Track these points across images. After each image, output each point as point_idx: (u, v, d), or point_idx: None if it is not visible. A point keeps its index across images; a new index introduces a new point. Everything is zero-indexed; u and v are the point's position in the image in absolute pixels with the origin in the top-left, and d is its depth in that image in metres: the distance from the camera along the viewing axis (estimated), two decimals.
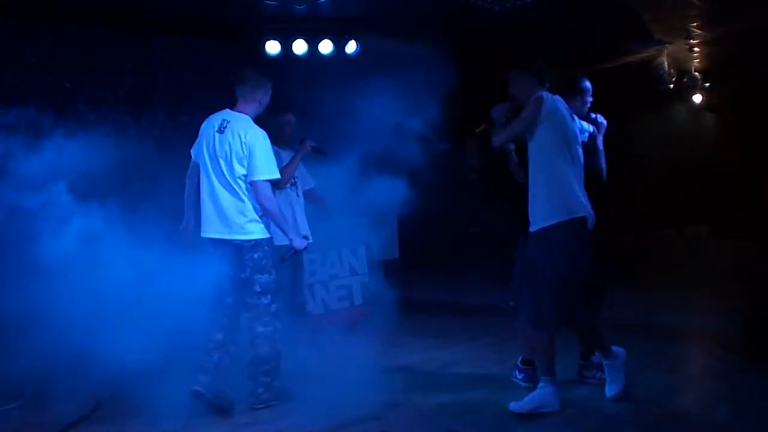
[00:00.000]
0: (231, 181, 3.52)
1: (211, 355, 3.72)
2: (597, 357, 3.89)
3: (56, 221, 3.38)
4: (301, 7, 5.64)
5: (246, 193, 3.53)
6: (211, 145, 3.57)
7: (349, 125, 4.41)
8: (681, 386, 3.87)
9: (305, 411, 3.54)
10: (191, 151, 3.75)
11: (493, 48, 7.44)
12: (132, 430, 3.42)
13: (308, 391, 3.77)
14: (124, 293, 3.47)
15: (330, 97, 5.71)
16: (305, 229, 4.67)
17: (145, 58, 6.03)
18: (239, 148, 3.47)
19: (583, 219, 3.39)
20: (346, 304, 5.73)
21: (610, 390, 3.57)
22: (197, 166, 3.69)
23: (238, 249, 3.56)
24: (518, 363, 3.93)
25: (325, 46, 6.21)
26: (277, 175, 3.57)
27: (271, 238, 3.67)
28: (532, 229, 3.42)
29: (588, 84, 3.93)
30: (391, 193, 4.64)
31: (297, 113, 4.71)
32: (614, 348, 3.58)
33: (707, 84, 9.86)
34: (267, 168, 3.49)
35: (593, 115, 3.99)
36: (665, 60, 8.13)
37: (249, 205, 3.54)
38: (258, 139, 3.49)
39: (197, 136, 3.73)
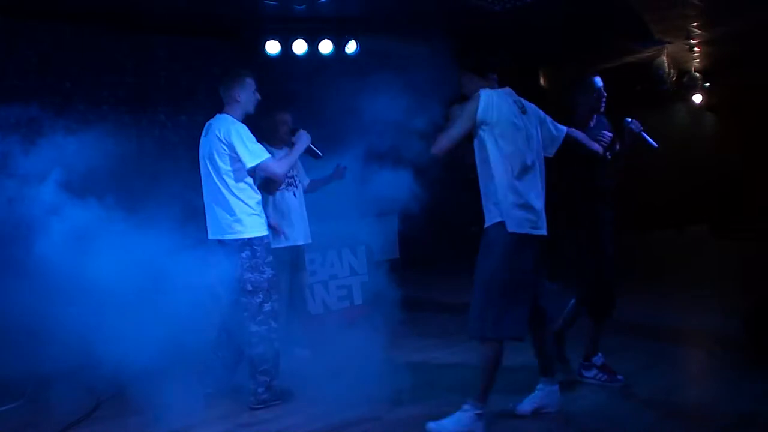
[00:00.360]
0: (218, 182, 3.59)
1: (214, 354, 3.74)
2: (599, 358, 3.90)
3: (56, 221, 3.38)
4: (301, 7, 5.64)
5: (233, 190, 3.58)
6: (200, 151, 3.70)
7: (348, 125, 4.40)
8: (681, 386, 3.87)
9: (305, 411, 3.55)
10: None
11: (493, 48, 7.44)
12: (132, 430, 3.42)
13: (308, 391, 3.78)
14: (124, 293, 3.47)
15: (330, 98, 5.71)
16: (305, 230, 4.69)
17: (145, 58, 6.03)
18: (218, 145, 3.56)
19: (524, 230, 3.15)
20: (346, 304, 5.72)
21: (523, 404, 3.39)
22: None
23: (228, 248, 3.60)
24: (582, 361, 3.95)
25: (325, 46, 6.21)
26: (267, 155, 3.60)
27: (264, 236, 3.67)
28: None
29: (600, 82, 3.85)
30: (390, 192, 4.64)
31: (296, 113, 4.71)
32: (556, 389, 3.40)
33: (707, 84, 9.86)
34: (254, 152, 3.55)
35: (628, 120, 3.83)
36: (665, 60, 8.12)
37: (236, 203, 3.58)
38: (234, 131, 3.55)
39: (197, 136, 3.78)
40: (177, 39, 6.19)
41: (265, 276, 3.62)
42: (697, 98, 10.47)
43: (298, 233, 4.60)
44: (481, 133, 3.15)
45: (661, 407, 3.53)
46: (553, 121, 3.46)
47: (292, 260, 4.63)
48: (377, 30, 6.20)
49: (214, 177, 3.60)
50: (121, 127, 5.66)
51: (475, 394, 3.17)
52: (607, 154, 3.75)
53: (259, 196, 3.71)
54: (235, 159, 3.55)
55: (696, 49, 8.11)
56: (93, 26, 5.67)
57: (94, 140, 3.59)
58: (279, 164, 3.69)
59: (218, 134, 3.56)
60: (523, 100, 3.34)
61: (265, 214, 4.41)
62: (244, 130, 3.59)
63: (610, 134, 3.74)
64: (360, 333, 4.56)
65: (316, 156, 4.33)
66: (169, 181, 4.08)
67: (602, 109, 3.85)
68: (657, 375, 3.99)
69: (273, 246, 4.41)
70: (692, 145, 12.11)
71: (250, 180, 3.64)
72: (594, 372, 3.88)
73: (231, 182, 3.58)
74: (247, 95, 3.65)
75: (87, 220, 3.45)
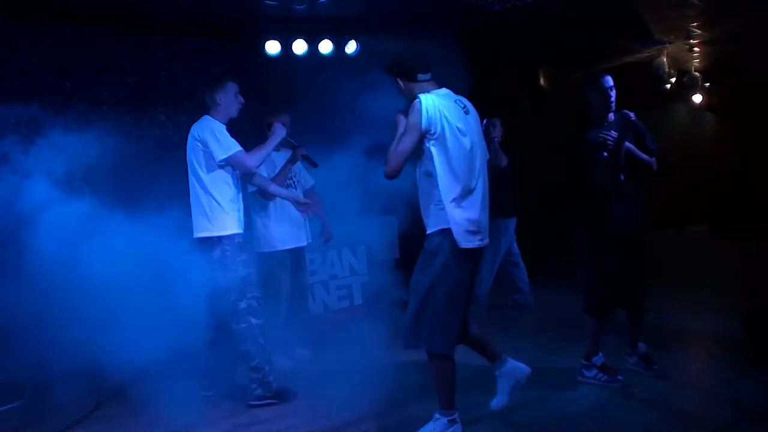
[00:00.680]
0: (194, 181, 3.69)
1: (210, 354, 3.75)
2: (599, 358, 3.90)
3: (56, 221, 3.38)
4: (301, 7, 5.63)
5: (207, 188, 3.64)
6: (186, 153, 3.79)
7: (348, 125, 4.40)
8: (681, 386, 3.87)
9: (305, 411, 3.55)
10: None
11: (494, 48, 7.44)
12: (132, 430, 3.42)
13: (308, 391, 3.78)
14: (123, 294, 3.47)
15: (330, 98, 5.70)
16: (306, 230, 4.69)
17: (145, 58, 6.02)
18: (193, 144, 3.67)
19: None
20: (346, 304, 5.73)
21: (496, 400, 3.33)
22: None
23: (202, 247, 3.66)
24: (582, 361, 3.96)
25: (325, 46, 6.21)
26: (238, 148, 3.63)
27: (235, 234, 3.67)
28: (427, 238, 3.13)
29: (608, 81, 3.84)
30: (390, 192, 4.64)
31: (297, 113, 4.72)
32: (511, 362, 3.30)
33: (707, 84, 9.86)
34: (225, 146, 3.61)
35: (628, 114, 3.82)
36: (665, 60, 8.12)
37: (208, 201, 3.64)
38: (207, 127, 3.65)
39: None
40: (177, 39, 6.18)
41: (237, 275, 3.62)
42: (697, 98, 10.47)
43: (301, 234, 4.62)
44: (426, 143, 2.99)
45: (661, 407, 3.54)
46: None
47: (294, 261, 4.64)
48: (377, 30, 6.19)
49: (192, 176, 3.70)
50: (121, 127, 5.65)
51: (440, 403, 3.11)
52: (604, 153, 3.73)
53: (233, 193, 3.71)
54: (209, 155, 3.62)
55: (696, 49, 8.11)
56: (93, 26, 5.66)
57: (94, 140, 3.60)
58: (250, 157, 3.70)
59: (195, 134, 3.67)
60: (464, 100, 3.18)
61: (269, 215, 4.44)
62: (217, 126, 3.67)
63: (614, 134, 3.72)
64: (360, 333, 4.57)
65: (312, 164, 4.34)
66: (169, 181, 4.08)
67: (612, 108, 3.83)
68: (657, 374, 3.99)
69: (279, 249, 4.44)
70: (692, 145, 12.11)
71: (225, 177, 3.67)
72: (594, 372, 3.88)
73: (205, 180, 3.65)
74: (228, 99, 3.72)
75: (87, 220, 3.46)
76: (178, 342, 3.41)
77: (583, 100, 3.94)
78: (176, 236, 3.75)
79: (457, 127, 3.01)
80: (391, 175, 3.03)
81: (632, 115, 3.82)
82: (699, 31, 7.28)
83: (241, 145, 3.70)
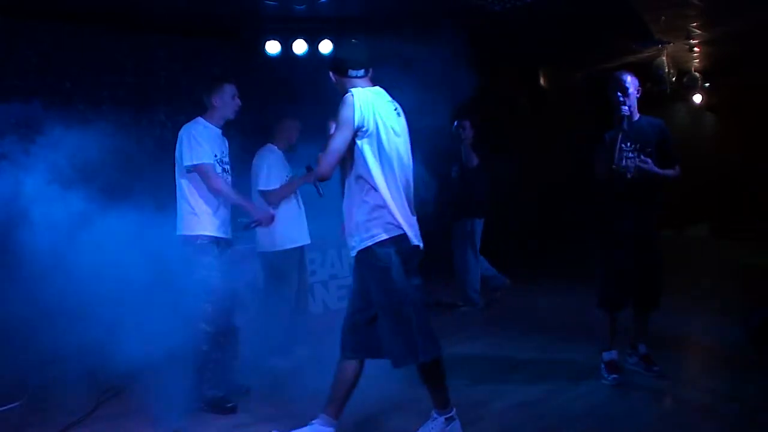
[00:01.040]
0: (176, 180, 3.71)
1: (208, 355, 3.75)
2: (609, 354, 3.97)
3: (56, 221, 3.38)
4: (301, 7, 5.64)
5: (182, 187, 3.66)
6: None
7: None
8: (681, 386, 3.87)
9: (305, 411, 3.54)
10: None
11: (494, 48, 7.44)
12: (132, 430, 3.42)
13: (308, 391, 3.77)
14: (123, 294, 3.47)
15: (330, 98, 5.69)
16: (306, 230, 4.71)
17: (145, 58, 6.02)
18: (178, 144, 3.68)
19: (401, 239, 2.90)
20: (347, 304, 5.72)
21: None
22: None
23: (180, 245, 3.66)
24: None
25: (325, 46, 6.21)
26: (206, 160, 3.57)
27: (198, 236, 3.61)
28: (352, 253, 2.99)
29: (621, 78, 3.85)
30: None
31: (297, 113, 4.73)
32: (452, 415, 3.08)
33: (707, 84, 9.85)
34: (195, 153, 3.58)
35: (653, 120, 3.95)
36: (665, 60, 8.12)
37: (181, 201, 3.67)
38: (186, 129, 3.65)
39: None
40: (177, 39, 6.18)
41: (194, 277, 3.55)
42: (697, 98, 10.46)
43: (305, 233, 4.66)
44: (358, 142, 2.83)
45: (661, 407, 3.54)
46: None
47: (299, 261, 4.68)
48: (377, 30, 6.19)
49: (176, 176, 3.73)
50: (121, 127, 5.65)
51: (436, 402, 3.07)
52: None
53: (206, 196, 3.63)
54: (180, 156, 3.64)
55: (696, 49, 8.11)
56: (93, 26, 5.66)
57: (94, 140, 3.60)
58: (220, 183, 3.59)
59: (180, 134, 3.69)
60: (395, 102, 3.03)
61: (277, 214, 4.44)
62: (199, 131, 3.64)
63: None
64: None
65: (318, 194, 4.26)
66: (169, 181, 4.08)
67: (626, 105, 3.82)
68: (657, 375, 3.99)
69: (287, 247, 4.44)
70: (692, 145, 12.09)
71: (198, 179, 3.64)
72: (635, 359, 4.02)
73: (180, 179, 3.68)
74: (223, 101, 3.70)
75: (87, 220, 3.46)
76: (178, 342, 3.42)
77: (608, 100, 3.95)
78: (175, 236, 3.76)
79: (392, 128, 2.90)
80: (325, 175, 2.85)
81: (658, 121, 3.90)
82: (699, 31, 7.28)
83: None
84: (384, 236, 2.86)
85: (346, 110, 2.80)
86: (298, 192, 4.64)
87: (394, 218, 2.86)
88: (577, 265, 4.03)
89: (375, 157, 2.84)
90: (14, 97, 5.03)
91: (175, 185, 3.74)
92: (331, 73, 3.02)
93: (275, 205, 4.38)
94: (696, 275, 7.66)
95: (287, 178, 4.50)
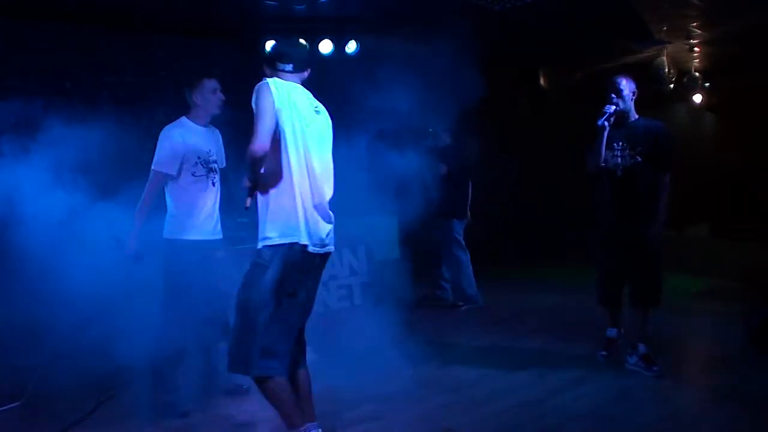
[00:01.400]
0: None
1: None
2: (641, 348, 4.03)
3: (56, 221, 3.38)
4: (301, 7, 5.63)
5: (165, 192, 3.56)
6: None
7: (349, 125, 4.40)
8: (681, 386, 3.87)
9: None
10: None
11: (494, 48, 7.43)
12: (132, 430, 3.42)
13: None
14: (122, 294, 3.47)
15: (329, 98, 5.69)
16: None
17: (145, 58, 6.02)
18: None
19: (297, 246, 2.72)
20: (346, 304, 5.72)
21: None
22: None
23: None
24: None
25: (325, 46, 6.21)
26: (162, 169, 3.46)
27: (171, 239, 3.50)
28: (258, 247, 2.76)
29: (616, 81, 3.93)
30: (391, 192, 4.64)
31: None
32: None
33: (707, 84, 9.85)
34: (157, 157, 3.48)
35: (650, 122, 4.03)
36: (665, 60, 8.12)
37: (167, 203, 3.56)
38: (161, 133, 3.53)
39: None
40: (177, 39, 6.18)
41: (163, 279, 3.48)
42: (697, 98, 10.46)
43: None
44: (278, 131, 2.65)
45: (661, 407, 3.53)
46: None
47: None
48: (377, 30, 6.19)
49: None
50: (121, 127, 5.65)
51: (287, 424, 2.77)
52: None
53: (186, 198, 3.52)
54: None
55: (696, 49, 8.11)
56: (93, 26, 5.66)
57: (94, 140, 3.60)
58: (147, 197, 3.48)
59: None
60: (319, 103, 2.93)
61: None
62: (167, 134, 3.51)
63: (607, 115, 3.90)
64: (360, 333, 4.57)
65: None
66: None
67: (618, 106, 3.91)
68: (657, 375, 3.99)
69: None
70: (692, 145, 12.09)
71: (178, 182, 3.53)
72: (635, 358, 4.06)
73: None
74: (204, 97, 3.58)
75: (86, 220, 3.46)
76: (177, 342, 3.42)
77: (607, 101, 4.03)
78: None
79: (309, 125, 2.76)
80: (258, 153, 2.59)
81: (658, 123, 3.98)
82: (699, 31, 7.28)
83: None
84: (278, 240, 2.69)
85: (263, 94, 2.65)
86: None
87: (297, 222, 2.68)
88: (577, 264, 4.03)
89: (285, 152, 2.68)
90: (14, 97, 5.03)
91: None
92: (264, 66, 2.88)
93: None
94: (696, 275, 7.66)
95: None
